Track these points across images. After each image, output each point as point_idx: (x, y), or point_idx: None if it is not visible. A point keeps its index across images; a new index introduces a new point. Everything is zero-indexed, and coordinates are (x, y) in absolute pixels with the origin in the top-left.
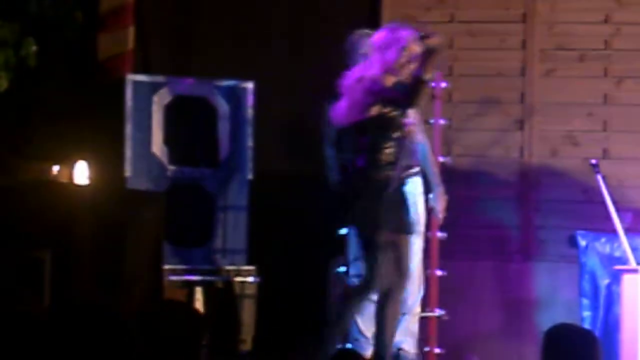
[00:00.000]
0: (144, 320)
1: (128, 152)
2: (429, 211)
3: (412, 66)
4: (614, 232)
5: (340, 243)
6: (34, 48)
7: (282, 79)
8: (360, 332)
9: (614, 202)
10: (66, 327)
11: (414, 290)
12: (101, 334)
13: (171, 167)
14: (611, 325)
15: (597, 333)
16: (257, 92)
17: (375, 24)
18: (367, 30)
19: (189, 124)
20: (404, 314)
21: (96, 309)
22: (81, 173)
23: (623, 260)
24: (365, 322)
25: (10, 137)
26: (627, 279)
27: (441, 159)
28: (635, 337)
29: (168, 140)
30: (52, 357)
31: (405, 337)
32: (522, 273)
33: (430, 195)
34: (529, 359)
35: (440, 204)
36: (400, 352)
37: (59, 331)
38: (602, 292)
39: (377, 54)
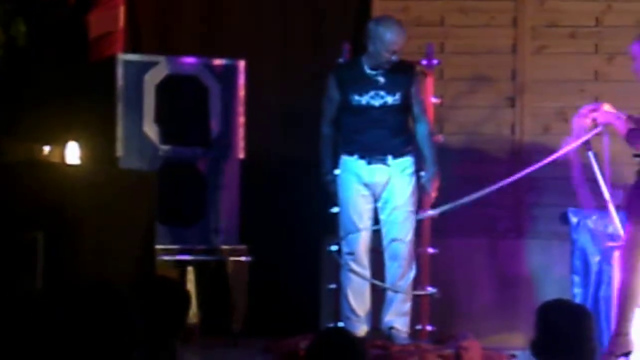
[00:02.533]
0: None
1: (119, 132)
2: (421, 190)
3: None
4: (605, 208)
5: (332, 221)
6: (23, 28)
7: (273, 58)
8: (352, 310)
9: (606, 179)
10: (62, 305)
11: (404, 271)
12: (99, 310)
13: (163, 147)
14: (601, 302)
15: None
16: (249, 71)
17: (366, 8)
18: (401, 25)
19: (181, 103)
20: (396, 292)
21: (92, 286)
22: (72, 153)
23: (614, 237)
24: (357, 300)
25: (0, 118)
26: (618, 255)
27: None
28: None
29: (159, 120)
30: (49, 336)
31: (397, 316)
32: (515, 250)
33: (422, 174)
34: (521, 335)
35: (433, 183)
36: (392, 331)
37: (55, 310)
38: (593, 269)
39: None
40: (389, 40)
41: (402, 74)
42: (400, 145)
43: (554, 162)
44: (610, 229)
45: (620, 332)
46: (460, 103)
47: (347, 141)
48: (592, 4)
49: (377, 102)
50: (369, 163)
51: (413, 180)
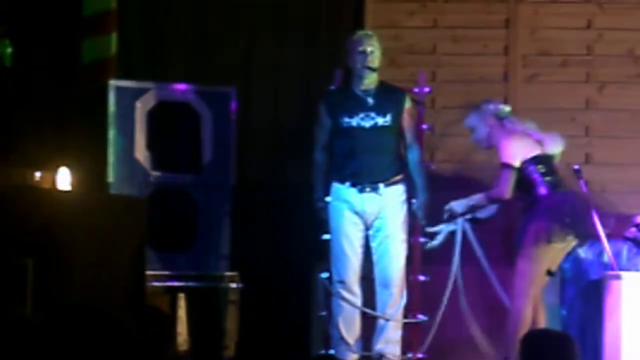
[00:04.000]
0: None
1: (111, 158)
2: (412, 216)
3: None
4: (596, 237)
5: (323, 248)
6: (10, 49)
7: (265, 85)
8: (342, 337)
9: (597, 208)
10: (52, 330)
11: (396, 298)
12: (89, 335)
13: (154, 173)
14: (589, 331)
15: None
16: (241, 97)
17: (359, 29)
18: (367, 32)
19: (172, 129)
20: (387, 320)
21: (82, 311)
22: (63, 179)
23: (606, 266)
24: (348, 328)
25: None
26: (610, 284)
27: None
28: (617, 342)
29: (151, 146)
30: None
31: (388, 344)
32: (506, 278)
33: (414, 201)
34: None
35: (424, 210)
36: (383, 358)
37: (45, 335)
38: (584, 298)
39: None
40: (354, 41)
41: (393, 96)
42: (392, 171)
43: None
44: (601, 258)
45: (509, 357)
46: (452, 131)
47: (338, 167)
48: (584, 32)
49: (367, 124)
50: (361, 191)
51: (405, 208)
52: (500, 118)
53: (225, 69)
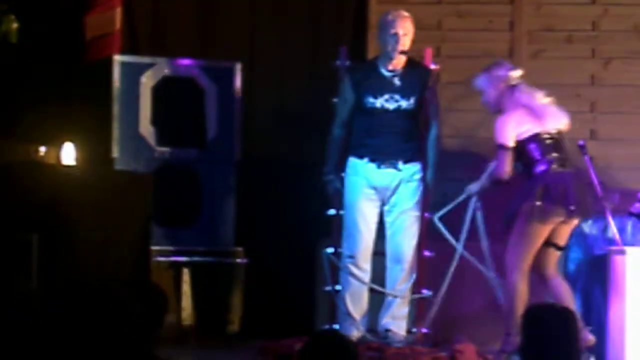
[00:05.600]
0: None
1: (115, 133)
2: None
3: None
4: (601, 213)
5: (328, 223)
6: (16, 25)
7: (270, 60)
8: (348, 312)
9: (602, 183)
10: (58, 305)
11: (405, 274)
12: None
13: (159, 148)
14: (594, 305)
15: (579, 312)
16: (245, 73)
17: (363, 5)
18: (402, 12)
19: (177, 105)
20: (395, 296)
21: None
22: (68, 154)
23: (610, 242)
24: (354, 303)
25: None
26: (615, 260)
27: None
28: (621, 317)
29: (155, 122)
30: (44, 336)
31: (394, 319)
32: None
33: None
34: (515, 338)
35: (431, 186)
36: (389, 333)
37: (51, 310)
38: (588, 274)
39: None
40: (388, 21)
41: (418, 77)
42: (410, 150)
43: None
44: (609, 233)
45: (512, 331)
46: (457, 107)
47: (357, 144)
48: (589, 8)
49: (391, 106)
50: (379, 167)
51: (421, 186)
52: (510, 85)
53: (229, 45)
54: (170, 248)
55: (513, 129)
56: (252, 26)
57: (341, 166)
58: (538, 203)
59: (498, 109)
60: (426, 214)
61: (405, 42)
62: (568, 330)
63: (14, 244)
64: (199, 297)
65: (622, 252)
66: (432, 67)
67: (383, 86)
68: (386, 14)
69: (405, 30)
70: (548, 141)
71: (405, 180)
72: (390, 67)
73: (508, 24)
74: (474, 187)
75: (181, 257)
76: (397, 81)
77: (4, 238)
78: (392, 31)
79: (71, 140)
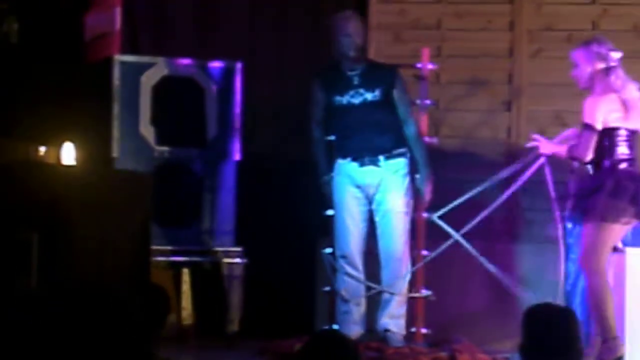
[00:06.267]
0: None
1: (115, 133)
2: (416, 192)
3: None
4: None
5: (327, 223)
6: (16, 25)
7: (270, 60)
8: (346, 312)
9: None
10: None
11: (400, 273)
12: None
13: (158, 148)
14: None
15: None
16: (245, 72)
17: (363, 5)
18: (347, 13)
19: (177, 104)
20: (392, 293)
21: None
22: (68, 154)
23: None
24: (352, 303)
25: None
26: (613, 260)
27: (428, 140)
28: (621, 318)
29: (155, 121)
30: (44, 336)
31: (392, 319)
32: (508, 254)
33: (417, 176)
34: (513, 338)
35: (427, 185)
36: (387, 333)
37: (50, 310)
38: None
39: None
40: (335, 25)
41: (380, 72)
42: (390, 144)
43: (550, 165)
44: None
45: (608, 337)
46: (457, 106)
47: (339, 145)
48: (589, 8)
49: (356, 100)
50: (361, 165)
51: (406, 181)
52: (607, 67)
53: (230, 45)
54: (170, 248)
55: (603, 113)
56: (252, 25)
57: (332, 166)
58: (611, 200)
59: (588, 87)
60: (424, 214)
61: (353, 43)
62: (569, 330)
63: (13, 243)
64: (199, 297)
65: (621, 252)
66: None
67: (346, 84)
68: (333, 17)
69: (350, 31)
70: (626, 137)
71: (387, 176)
72: (350, 67)
73: (508, 23)
74: (546, 148)
75: (181, 257)
76: (357, 78)
77: (3, 238)
78: (341, 32)
79: (71, 140)
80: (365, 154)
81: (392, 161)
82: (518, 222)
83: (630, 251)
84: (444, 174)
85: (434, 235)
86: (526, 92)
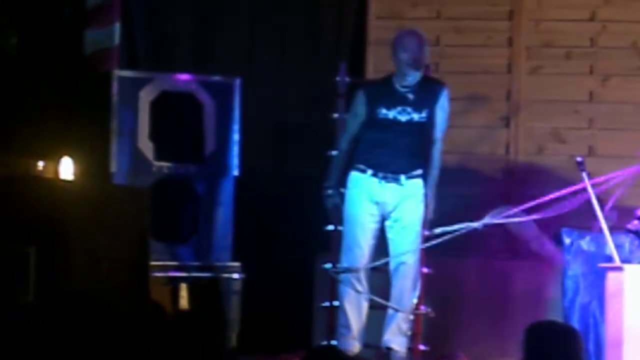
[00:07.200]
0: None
1: (114, 148)
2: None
3: None
4: (599, 230)
5: (326, 239)
6: (15, 40)
7: (269, 76)
8: (347, 326)
9: (599, 200)
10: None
11: (409, 289)
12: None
13: (157, 163)
14: (591, 323)
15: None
16: (244, 88)
17: (361, 21)
18: (415, 30)
19: (175, 120)
20: (397, 311)
21: (84, 302)
22: (66, 169)
23: (608, 259)
24: (353, 317)
25: None
26: (611, 276)
27: None
28: (619, 335)
29: (154, 136)
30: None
31: (396, 336)
32: (507, 270)
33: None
34: (513, 355)
35: (431, 203)
36: (390, 351)
37: (46, 324)
38: (585, 291)
39: None
40: (400, 40)
41: (431, 89)
42: (414, 165)
43: (548, 181)
44: (603, 250)
45: None
46: (455, 122)
47: (362, 157)
48: (587, 24)
49: (403, 118)
50: (382, 181)
51: (423, 202)
52: None
53: (228, 60)
54: (168, 263)
55: None
56: (251, 41)
57: (342, 182)
58: None
59: None
60: (425, 231)
61: (419, 59)
62: (570, 348)
63: (11, 257)
64: (197, 313)
65: (619, 269)
66: (442, 83)
67: (397, 100)
68: (399, 33)
69: (417, 47)
70: None
71: (408, 196)
72: (405, 84)
73: (507, 39)
74: None
75: (179, 273)
76: (410, 95)
77: (1, 251)
78: (405, 48)
79: (69, 155)
80: (387, 170)
81: (412, 181)
82: (516, 238)
83: (628, 268)
84: (443, 190)
85: (432, 252)
86: (525, 109)
